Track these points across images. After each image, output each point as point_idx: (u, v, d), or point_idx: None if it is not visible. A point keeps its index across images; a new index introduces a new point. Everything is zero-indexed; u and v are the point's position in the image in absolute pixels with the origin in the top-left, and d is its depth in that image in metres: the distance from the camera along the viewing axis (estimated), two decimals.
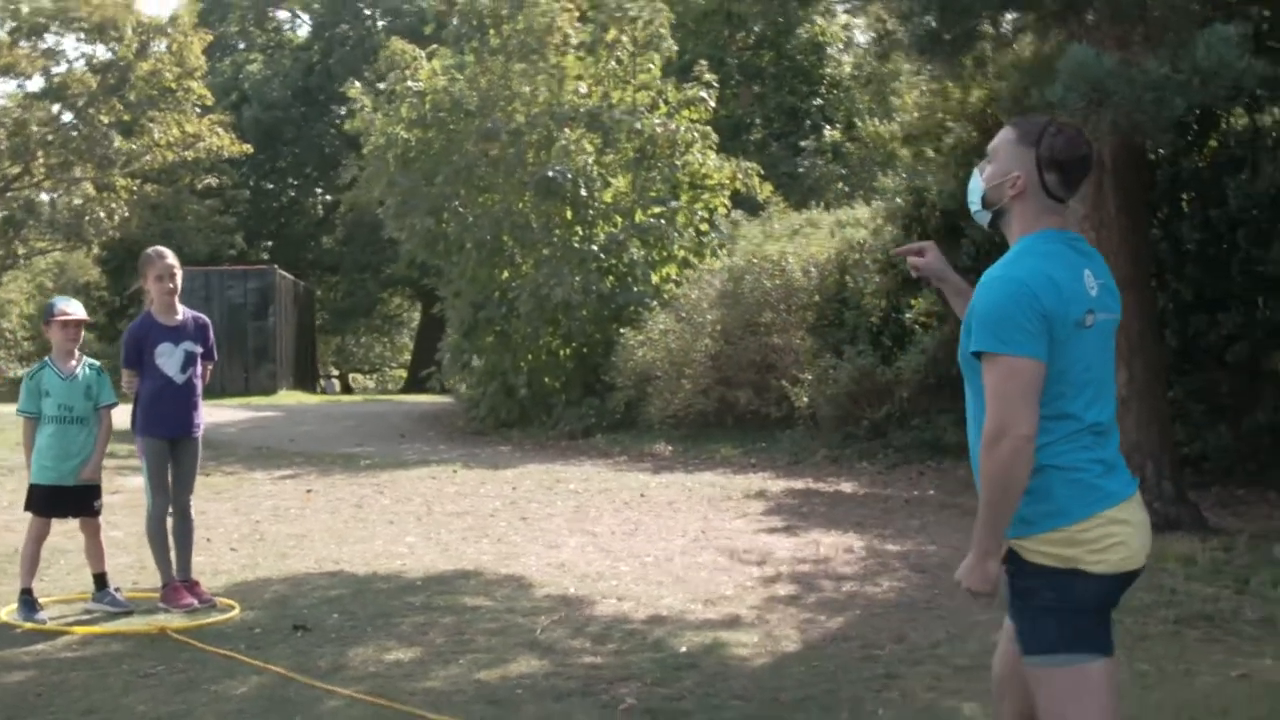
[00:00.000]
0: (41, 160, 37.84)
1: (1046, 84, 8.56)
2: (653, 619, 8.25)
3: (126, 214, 38.81)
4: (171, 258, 8.65)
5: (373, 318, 56.34)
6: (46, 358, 8.48)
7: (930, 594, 9.03)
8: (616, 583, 9.33)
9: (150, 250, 8.81)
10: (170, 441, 8.53)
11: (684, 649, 7.49)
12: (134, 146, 37.80)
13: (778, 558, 10.29)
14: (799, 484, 14.54)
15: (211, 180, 40.84)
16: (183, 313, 8.62)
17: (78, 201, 38.50)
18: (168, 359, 8.43)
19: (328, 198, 51.84)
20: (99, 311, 44.49)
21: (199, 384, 8.66)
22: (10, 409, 10.75)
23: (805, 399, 17.41)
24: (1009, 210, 3.98)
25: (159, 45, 38.68)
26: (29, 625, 7.89)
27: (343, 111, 46.40)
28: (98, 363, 8.61)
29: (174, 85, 38.39)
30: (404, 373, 58.46)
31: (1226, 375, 13.47)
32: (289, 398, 30.90)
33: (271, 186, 50.00)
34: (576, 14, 22.62)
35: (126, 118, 38.62)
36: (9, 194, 39.03)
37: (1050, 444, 3.76)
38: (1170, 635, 7.60)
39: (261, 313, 32.34)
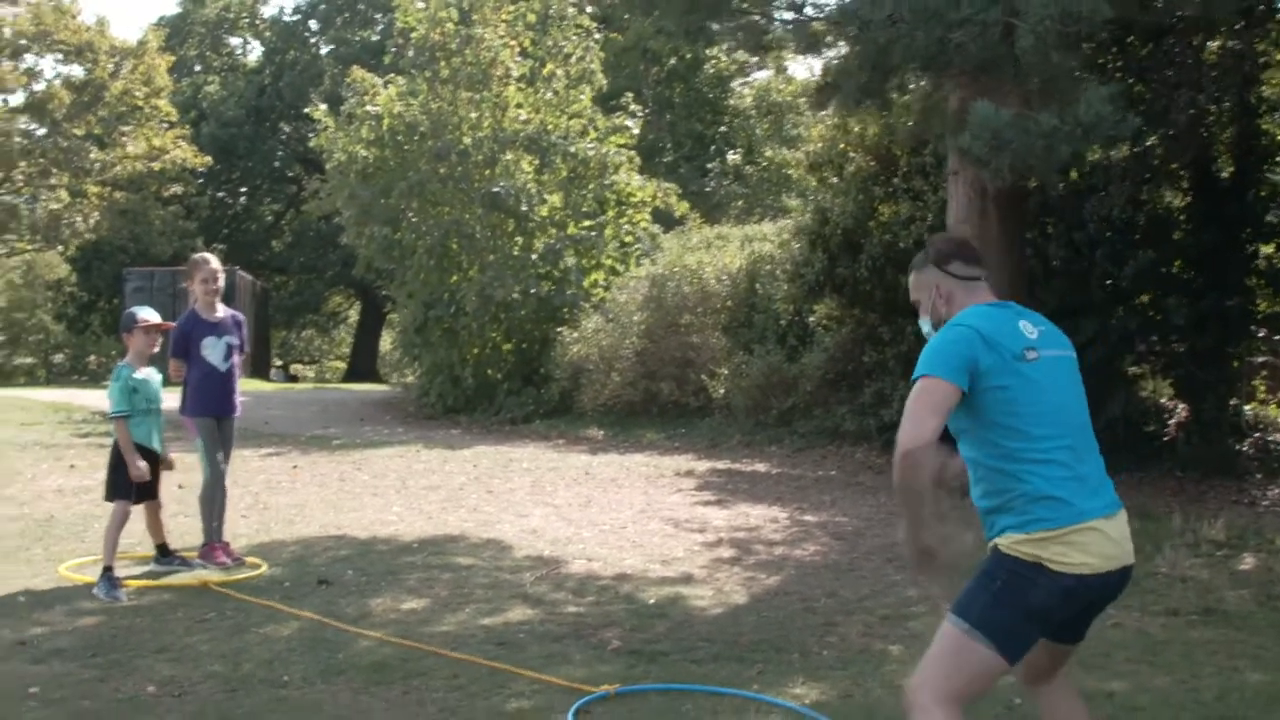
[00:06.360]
0: (22, 168, 37.47)
1: (958, 132, 9.07)
2: (619, 576, 8.64)
3: (98, 218, 38.53)
4: (215, 263, 8.87)
5: (317, 314, 56.12)
6: (123, 362, 8.40)
7: (850, 557, 9.48)
8: (583, 546, 9.71)
9: (197, 256, 9.02)
10: (216, 419, 8.79)
11: (652, 601, 7.90)
12: (107, 157, 37.53)
13: (715, 526, 10.70)
14: (720, 464, 14.91)
15: (176, 189, 40.64)
16: (222, 310, 8.87)
17: (54, 206, 38.15)
18: (212, 350, 8.68)
19: (276, 206, 51.65)
20: (69, 305, 44.15)
21: (237, 371, 8.93)
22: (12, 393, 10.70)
23: (721, 390, 17.80)
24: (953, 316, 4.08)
25: (128, 67, 38.41)
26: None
27: (286, 129, 46.42)
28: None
29: (143, 104, 38.20)
30: (342, 364, 58.26)
31: (1085, 375, 13.97)
32: (249, 385, 30.75)
33: (224, 195, 49.65)
34: (518, 49, 22.86)
35: (98, 131, 38.37)
36: None
37: None
38: None
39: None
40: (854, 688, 6.11)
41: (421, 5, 22.93)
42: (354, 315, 56.60)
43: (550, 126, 22.79)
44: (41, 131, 38.50)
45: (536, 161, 22.37)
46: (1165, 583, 8.58)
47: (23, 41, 37.27)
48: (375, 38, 42.01)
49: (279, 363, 54.77)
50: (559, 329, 20.97)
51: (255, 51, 52.57)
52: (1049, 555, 3.75)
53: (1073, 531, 3.76)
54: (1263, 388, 15.04)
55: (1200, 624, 7.51)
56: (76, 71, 38.53)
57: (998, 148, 8.84)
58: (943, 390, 3.81)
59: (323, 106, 24.93)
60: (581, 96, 23.22)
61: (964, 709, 3.85)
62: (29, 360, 53.80)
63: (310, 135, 28.17)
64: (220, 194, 48.95)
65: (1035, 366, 3.91)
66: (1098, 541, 3.79)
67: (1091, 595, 3.87)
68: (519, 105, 22.75)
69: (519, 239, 22.07)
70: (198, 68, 50.57)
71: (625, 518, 11.08)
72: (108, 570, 7.91)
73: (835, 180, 17.01)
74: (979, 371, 3.85)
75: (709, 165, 31.84)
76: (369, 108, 22.77)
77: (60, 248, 42.01)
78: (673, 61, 34.17)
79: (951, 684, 3.79)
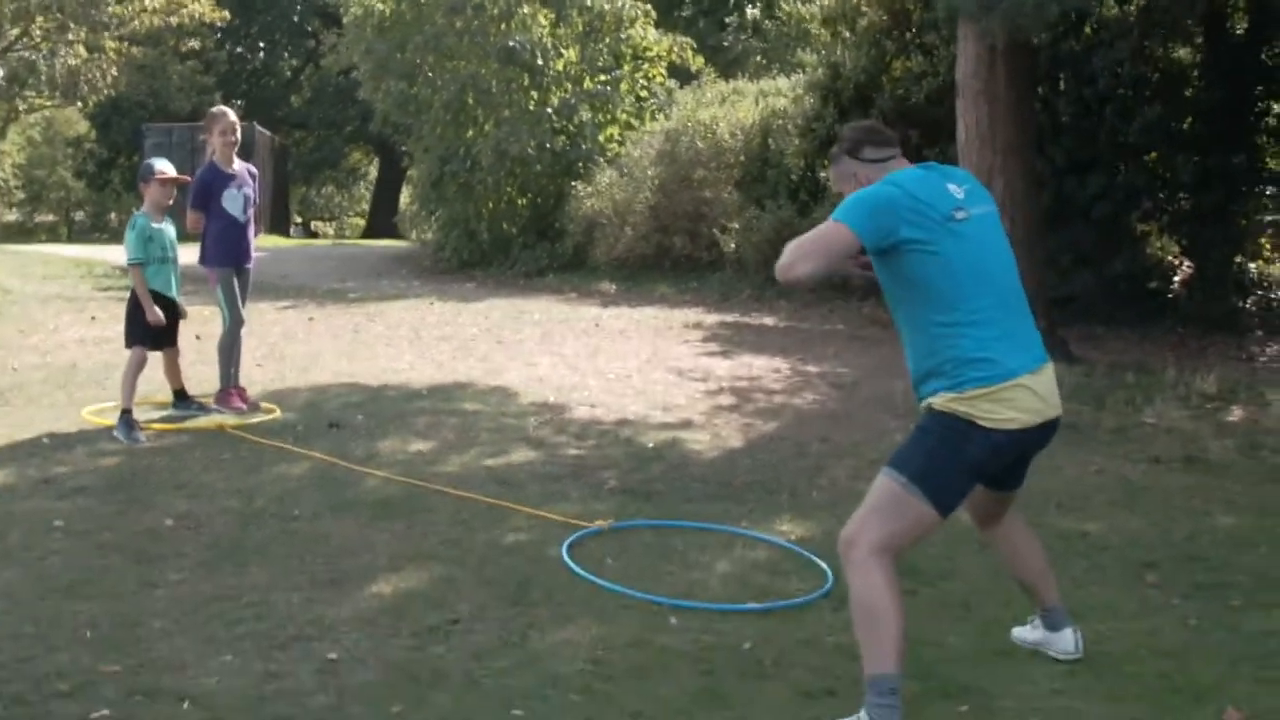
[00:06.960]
0: (40, 23, 37.22)
1: None
2: (621, 421, 8.91)
3: (116, 74, 38.34)
4: (233, 116, 8.98)
5: (336, 171, 56.02)
6: (140, 211, 8.59)
7: (846, 406, 9.73)
8: (587, 393, 9.96)
9: (215, 109, 9.14)
10: (235, 269, 9.01)
11: (650, 444, 8.18)
12: (125, 12, 37.22)
13: (718, 375, 10.93)
14: (729, 317, 15.09)
15: (194, 44, 40.37)
16: (238, 163, 9.02)
17: (73, 62, 37.93)
18: (231, 202, 8.84)
19: (294, 62, 51.33)
20: (89, 162, 44.22)
21: (253, 223, 9.13)
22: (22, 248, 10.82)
23: (732, 245, 17.85)
24: None
25: None
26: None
27: None
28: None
29: None
30: (361, 220, 58.27)
31: (1091, 229, 14.06)
32: (268, 240, 30.89)
33: (242, 51, 49.31)
34: None
35: None
36: (10, 54, 38.43)
37: None
38: None
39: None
40: (838, 526, 6.22)
41: None
42: (373, 172, 56.46)
43: None
44: None
45: (552, 15, 22.21)
46: (1151, 432, 8.81)
47: None
48: None
49: (298, 219, 54.91)
50: (573, 183, 21.00)
51: None
52: (980, 412, 3.89)
53: (1002, 389, 3.90)
54: (1268, 245, 15.10)
55: (1180, 471, 7.75)
56: None
57: (988, 6, 8.89)
58: (843, 239, 3.87)
59: None
60: None
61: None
62: (50, 218, 53.95)
63: None
64: (238, 49, 48.62)
65: (966, 225, 3.98)
66: (1025, 397, 3.93)
67: (1020, 448, 4.07)
68: None
69: (534, 94, 21.97)
70: None
71: (631, 367, 11.31)
72: (126, 413, 8.13)
73: (848, 35, 16.96)
74: (902, 238, 3.90)
75: (727, 20, 31.53)
76: None
77: (79, 104, 41.87)
78: None
79: (886, 536, 3.93)
